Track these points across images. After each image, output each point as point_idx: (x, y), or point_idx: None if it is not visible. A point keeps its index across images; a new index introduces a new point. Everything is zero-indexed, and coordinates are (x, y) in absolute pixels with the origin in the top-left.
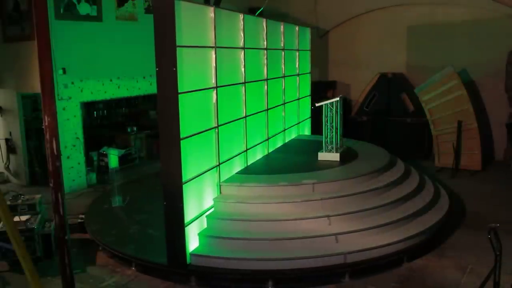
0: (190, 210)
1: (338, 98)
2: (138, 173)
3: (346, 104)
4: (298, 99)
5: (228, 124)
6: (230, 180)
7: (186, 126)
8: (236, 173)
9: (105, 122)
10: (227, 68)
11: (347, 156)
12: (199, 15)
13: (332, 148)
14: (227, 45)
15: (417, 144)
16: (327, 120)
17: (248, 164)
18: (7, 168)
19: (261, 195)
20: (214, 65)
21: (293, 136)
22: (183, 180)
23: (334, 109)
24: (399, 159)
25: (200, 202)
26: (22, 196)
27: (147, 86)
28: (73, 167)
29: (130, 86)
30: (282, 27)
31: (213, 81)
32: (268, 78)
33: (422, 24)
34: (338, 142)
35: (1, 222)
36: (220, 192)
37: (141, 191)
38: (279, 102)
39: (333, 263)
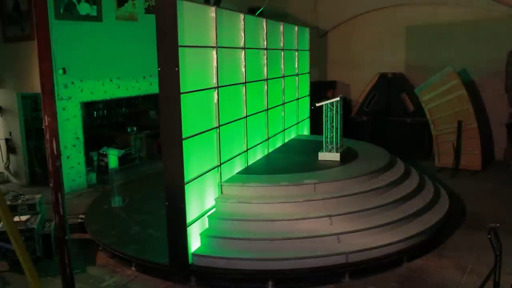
0: (192, 210)
1: (338, 98)
2: (138, 173)
3: (346, 104)
4: (297, 99)
5: (229, 124)
6: (231, 180)
7: (188, 126)
8: (237, 173)
9: (105, 122)
10: (228, 68)
11: (347, 156)
12: (200, 15)
13: (333, 148)
14: (228, 45)
15: (417, 144)
16: (328, 120)
17: (249, 164)
18: (7, 168)
19: (263, 195)
20: (216, 65)
21: (293, 136)
22: (185, 180)
23: (334, 109)
24: (399, 159)
25: (201, 202)
26: (22, 196)
27: (147, 86)
28: (73, 167)
29: (130, 86)
30: (281, 27)
31: (214, 81)
32: (268, 78)
33: (422, 24)
34: (338, 142)
35: (1, 222)
36: (221, 192)
37: (141, 191)
38: (278, 102)
39: (335, 263)
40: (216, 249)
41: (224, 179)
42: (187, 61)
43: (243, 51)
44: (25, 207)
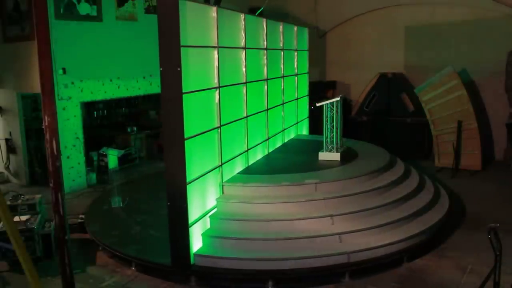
0: (194, 211)
1: (338, 98)
2: (138, 173)
3: (346, 104)
4: (297, 99)
5: (230, 124)
6: (232, 180)
7: (189, 126)
8: (238, 173)
9: (105, 122)
10: (229, 68)
11: (347, 156)
12: (202, 15)
13: (333, 148)
14: (229, 45)
15: (417, 144)
16: (328, 120)
17: (249, 164)
18: (7, 168)
19: (264, 195)
20: (217, 65)
21: (292, 136)
22: (187, 180)
23: (334, 109)
24: (399, 159)
25: (203, 202)
26: (22, 196)
27: (147, 86)
28: (73, 167)
29: (130, 86)
30: (281, 27)
31: (216, 81)
32: (268, 78)
33: (422, 24)
34: (339, 142)
35: (1, 222)
36: (223, 192)
37: (141, 191)
38: (278, 102)
39: (337, 263)
40: (218, 249)
41: (225, 179)
42: (189, 61)
43: (244, 51)
44: (25, 207)
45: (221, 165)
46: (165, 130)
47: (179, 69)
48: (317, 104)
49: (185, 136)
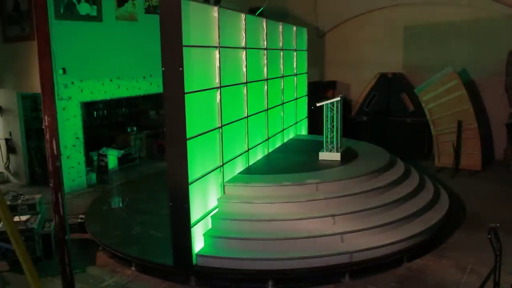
0: (196, 211)
1: (338, 98)
2: (138, 173)
3: (346, 104)
4: (296, 99)
5: (231, 124)
6: (233, 180)
7: (191, 126)
8: (239, 173)
9: (105, 122)
10: (230, 68)
11: (347, 156)
12: (204, 15)
13: (333, 148)
14: (230, 45)
15: (417, 144)
16: (328, 120)
17: (250, 164)
18: (7, 168)
19: (265, 195)
20: (218, 65)
21: (291, 136)
22: (189, 180)
23: (334, 109)
24: (399, 159)
25: (205, 202)
26: (22, 196)
27: (147, 86)
28: (73, 167)
29: (130, 86)
30: (280, 27)
31: (217, 81)
32: (268, 78)
33: (422, 24)
34: (339, 142)
35: (1, 222)
36: (224, 193)
37: (140, 191)
38: (278, 102)
39: (339, 262)
40: (220, 250)
41: (226, 179)
42: (191, 61)
43: (244, 51)
44: (25, 207)
45: (222, 165)
46: (167, 130)
47: (181, 69)
48: (317, 104)
49: (187, 136)
